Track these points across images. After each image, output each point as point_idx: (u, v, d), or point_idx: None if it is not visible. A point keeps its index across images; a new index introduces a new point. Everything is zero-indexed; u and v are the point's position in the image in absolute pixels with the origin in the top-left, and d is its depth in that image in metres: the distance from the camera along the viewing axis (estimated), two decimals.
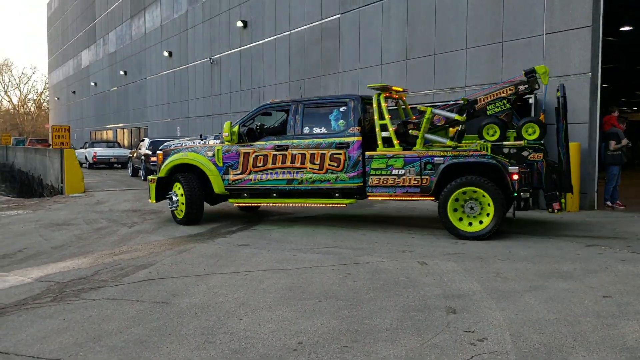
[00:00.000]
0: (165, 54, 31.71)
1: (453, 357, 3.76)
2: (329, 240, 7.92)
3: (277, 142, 9.10)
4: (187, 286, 5.59)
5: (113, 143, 33.14)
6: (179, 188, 9.46)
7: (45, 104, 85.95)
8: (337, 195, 8.81)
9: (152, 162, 17.95)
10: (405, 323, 4.44)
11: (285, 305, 4.94)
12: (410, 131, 8.68)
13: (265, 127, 10.01)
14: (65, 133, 15.23)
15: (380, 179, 8.42)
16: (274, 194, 9.15)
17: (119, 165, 28.31)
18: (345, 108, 8.89)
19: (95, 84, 48.49)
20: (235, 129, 9.29)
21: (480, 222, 7.83)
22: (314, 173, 8.83)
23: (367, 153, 8.56)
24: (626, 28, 20.44)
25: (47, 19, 72.23)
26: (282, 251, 7.20)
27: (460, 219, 7.94)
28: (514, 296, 5.11)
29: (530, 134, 8.16)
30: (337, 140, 8.74)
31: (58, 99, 65.83)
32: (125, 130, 41.04)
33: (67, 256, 7.15)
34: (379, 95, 8.87)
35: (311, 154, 8.86)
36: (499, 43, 12.36)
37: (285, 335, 4.20)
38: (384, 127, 8.64)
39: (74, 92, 57.10)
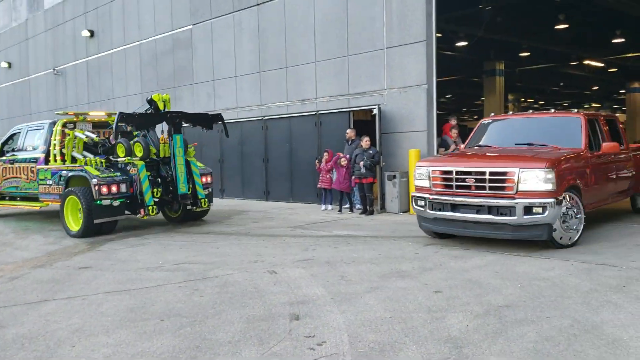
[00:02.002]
0: (4, 65, 29.15)
1: None
2: (181, 257, 7.71)
3: (10, 158, 11.95)
4: (15, 316, 5.13)
5: None
6: None
7: None
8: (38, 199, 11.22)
9: None
10: (248, 334, 4.43)
11: (125, 327, 4.71)
12: (63, 149, 10.87)
13: (15, 145, 12.24)
14: None
15: (44, 187, 10.81)
16: (17, 198, 12.02)
17: None
18: (42, 131, 11.48)
19: None
20: None
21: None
22: (25, 182, 11.52)
23: (38, 167, 11.05)
24: (462, 43, 22.38)
25: None
26: (128, 271, 6.88)
27: (73, 221, 9.92)
28: (355, 298, 5.31)
29: (138, 152, 10.00)
30: (32, 156, 11.38)
31: None
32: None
33: None
34: (52, 123, 11.33)
35: (23, 167, 11.58)
36: (345, 57, 12.90)
37: (121, 359, 3.99)
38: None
39: None
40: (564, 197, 7.04)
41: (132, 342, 4.35)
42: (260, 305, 5.22)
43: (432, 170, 7.75)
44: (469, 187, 7.35)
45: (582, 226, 7.37)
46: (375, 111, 12.08)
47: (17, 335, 4.60)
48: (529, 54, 26.46)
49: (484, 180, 7.19)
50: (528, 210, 6.83)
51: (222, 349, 4.14)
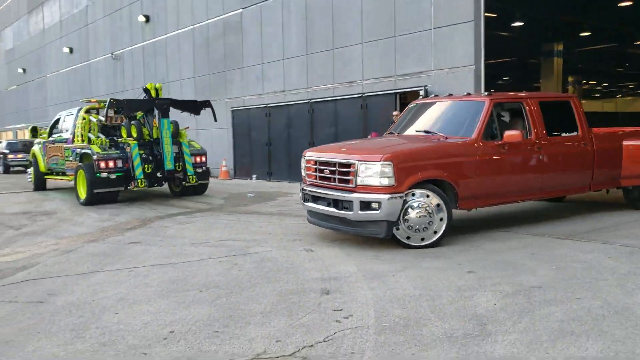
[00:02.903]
0: (66, 50, 30.41)
1: (317, 334, 3.96)
2: (225, 234, 7.99)
3: (53, 139, 14.09)
4: (66, 285, 5.49)
5: None
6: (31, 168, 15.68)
7: None
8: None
9: (9, 159, 25.57)
10: (279, 306, 4.60)
11: (165, 297, 4.98)
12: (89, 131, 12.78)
13: (57, 128, 14.38)
14: None
15: (69, 163, 12.83)
16: (59, 173, 13.94)
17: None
18: (72, 116, 13.46)
19: None
20: (46, 130, 14.92)
21: None
22: (60, 159, 13.48)
23: (65, 147, 13.26)
24: (518, 23, 21.77)
25: None
26: (174, 247, 7.20)
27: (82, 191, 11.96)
28: (386, 276, 5.41)
29: (134, 133, 11.88)
30: (64, 137, 13.47)
31: None
32: (27, 131, 38.96)
33: None
34: (80, 109, 13.33)
35: (59, 147, 13.68)
36: (392, 38, 12.83)
37: (158, 326, 4.24)
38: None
39: None
40: (412, 194, 6.45)
41: (170, 310, 4.60)
42: (293, 280, 5.39)
43: (306, 160, 7.37)
44: (327, 179, 6.94)
45: (444, 225, 6.53)
46: (422, 93, 12.01)
47: (66, 302, 4.93)
48: (589, 33, 25.41)
49: (334, 172, 6.77)
50: (366, 205, 6.36)
51: (254, 318, 4.33)
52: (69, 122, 13.56)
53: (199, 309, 4.61)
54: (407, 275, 5.42)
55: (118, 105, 12.47)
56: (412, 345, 3.71)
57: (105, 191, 11.60)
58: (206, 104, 13.15)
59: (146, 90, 12.49)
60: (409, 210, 6.42)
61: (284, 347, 3.75)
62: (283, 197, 12.43)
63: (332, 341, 3.83)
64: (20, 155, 25.44)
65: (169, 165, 11.86)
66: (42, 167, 14.90)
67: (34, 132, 15.86)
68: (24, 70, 37.91)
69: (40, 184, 15.46)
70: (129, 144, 11.72)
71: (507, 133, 7.03)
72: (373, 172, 6.34)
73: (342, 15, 14.08)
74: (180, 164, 12.15)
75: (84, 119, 12.71)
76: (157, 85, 12.65)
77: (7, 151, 25.70)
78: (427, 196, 6.49)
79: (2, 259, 6.84)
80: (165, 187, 13.10)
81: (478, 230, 7.53)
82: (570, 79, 37.76)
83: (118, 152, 11.77)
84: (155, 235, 8.07)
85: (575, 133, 7.98)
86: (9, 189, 16.99)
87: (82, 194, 11.88)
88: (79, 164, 11.99)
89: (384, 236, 6.45)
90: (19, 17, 38.45)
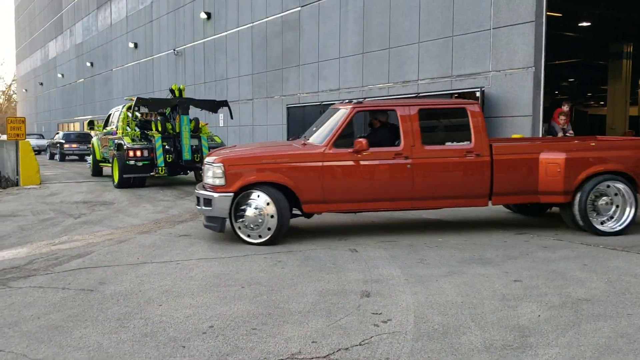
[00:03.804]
0: (131, 45, 31.45)
1: (354, 337, 3.95)
2: None
3: (106, 131, 16.27)
4: (116, 275, 5.69)
5: (39, 135, 41.84)
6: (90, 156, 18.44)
7: (14, 95, 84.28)
8: None
9: (65, 148, 27.93)
10: (318, 306, 4.62)
11: (208, 292, 5.08)
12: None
13: (110, 121, 16.37)
14: (21, 124, 15.04)
15: (110, 152, 14.71)
16: (108, 161, 15.57)
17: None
18: (119, 112, 15.32)
19: (62, 75, 47.82)
20: (101, 124, 17.51)
21: None
22: (108, 149, 15.30)
23: (109, 138, 15.26)
24: (585, 24, 20.98)
25: (14, 9, 70.78)
26: (221, 241, 7.33)
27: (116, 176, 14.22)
28: (429, 281, 5.33)
29: (159, 127, 13.85)
30: (111, 130, 15.59)
31: (26, 90, 64.75)
32: (101, 122, 40.56)
33: (6, 246, 7.18)
34: (124, 106, 15.15)
35: (108, 138, 15.40)
36: (449, 37, 12.62)
37: (199, 320, 4.34)
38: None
39: (41, 84, 56.23)
40: (249, 194, 6.98)
41: (212, 305, 4.70)
42: (335, 280, 5.39)
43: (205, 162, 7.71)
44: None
45: (276, 224, 6.91)
46: (478, 94, 11.76)
47: (114, 291, 5.11)
48: None
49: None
50: (205, 202, 7.08)
51: (292, 317, 4.36)
52: (116, 117, 15.60)
53: (240, 305, 4.68)
54: (451, 281, 5.33)
55: (143, 104, 14.47)
56: (449, 354, 3.65)
57: (133, 176, 13.57)
58: (223, 103, 15.07)
59: (171, 91, 14.40)
60: (247, 208, 6.99)
61: (319, 348, 3.76)
62: None
63: (368, 345, 3.81)
64: (74, 145, 27.93)
65: (186, 155, 13.48)
66: (98, 155, 17.18)
67: (91, 125, 18.45)
68: (92, 63, 39.49)
69: (96, 170, 17.87)
70: (154, 137, 13.60)
71: (356, 141, 7.15)
72: (211, 173, 7.13)
73: (399, 15, 13.95)
74: (199, 155, 13.67)
75: (124, 114, 14.73)
76: (181, 87, 14.67)
77: (63, 141, 28.42)
78: (258, 196, 7.01)
79: (60, 246, 7.15)
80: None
81: (528, 238, 7.31)
82: None
83: (146, 143, 13.65)
84: (205, 229, 8.23)
85: (466, 143, 7.37)
86: (73, 178, 17.76)
87: (116, 178, 13.89)
88: (115, 152, 13.99)
89: (219, 230, 7.20)
90: (89, 13, 40.06)
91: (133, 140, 13.68)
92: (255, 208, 6.96)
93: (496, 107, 11.67)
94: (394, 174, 7.25)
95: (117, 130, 14.79)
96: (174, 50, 26.05)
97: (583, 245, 6.85)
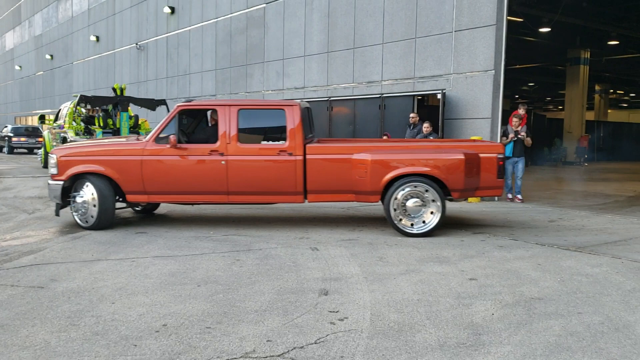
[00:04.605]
0: (93, 38, 30.76)
1: (309, 335, 3.93)
2: (232, 229, 7.99)
3: (56, 124, 17.19)
4: (69, 272, 5.54)
5: None
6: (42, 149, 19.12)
7: None
8: None
9: (13, 141, 28.00)
10: (275, 305, 4.58)
11: (163, 290, 4.99)
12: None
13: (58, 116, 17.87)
14: None
15: (57, 145, 14.56)
16: None
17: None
18: (67, 106, 16.70)
19: (20, 67, 46.45)
20: (52, 118, 18.31)
21: None
22: (56, 141, 15.85)
23: (55, 131, 16.72)
24: (545, 29, 21.46)
25: None
26: (179, 239, 7.22)
27: None
28: (387, 279, 5.36)
29: (101, 122, 15.34)
30: (60, 124, 16.52)
31: None
32: (52, 117, 39.51)
33: None
34: (72, 101, 16.25)
35: (57, 132, 16.36)
36: (412, 39, 12.73)
37: (152, 318, 4.25)
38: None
39: None
40: (81, 183, 7.77)
41: (166, 303, 4.61)
42: (294, 278, 5.36)
43: None
44: None
45: (97, 210, 7.64)
46: (440, 96, 11.89)
47: (66, 289, 4.98)
48: (617, 42, 24.95)
49: None
50: (50, 188, 8.02)
51: (248, 316, 4.32)
52: (64, 111, 16.74)
53: (195, 303, 4.61)
54: (408, 279, 5.36)
55: (86, 100, 15.66)
56: (403, 352, 3.66)
57: None
58: (162, 102, 16.43)
59: (114, 90, 16.14)
60: (77, 196, 7.75)
61: (273, 347, 3.72)
62: None
63: (324, 343, 3.79)
64: (23, 139, 28.19)
65: None
66: (48, 148, 17.60)
67: (42, 119, 19.68)
68: (52, 56, 38.46)
69: (47, 163, 18.07)
70: (95, 131, 14.76)
71: (170, 137, 7.66)
72: (50, 163, 7.95)
73: (364, 15, 14.00)
74: None
75: (71, 109, 15.86)
76: (123, 86, 16.42)
77: (11, 134, 28.57)
78: (87, 186, 7.71)
79: (12, 242, 6.93)
80: None
81: (485, 238, 7.43)
82: (597, 87, 37.19)
83: (88, 137, 14.64)
84: (162, 226, 8.11)
85: (281, 142, 7.67)
86: (29, 172, 17.26)
87: None
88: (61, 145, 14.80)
89: (55, 214, 8.06)
90: (49, 4, 39.00)
91: (77, 134, 14.86)
92: (83, 196, 7.72)
93: (457, 109, 11.83)
94: (210, 169, 7.69)
95: (64, 124, 15.98)
96: (137, 44, 25.59)
97: (537, 245, 6.99)
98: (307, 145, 7.72)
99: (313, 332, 4.00)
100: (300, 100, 8.34)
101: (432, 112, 12.25)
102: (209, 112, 9.33)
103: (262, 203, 8.14)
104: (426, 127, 11.19)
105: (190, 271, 5.62)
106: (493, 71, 11.14)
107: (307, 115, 8.49)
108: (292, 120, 7.70)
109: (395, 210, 7.41)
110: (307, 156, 7.64)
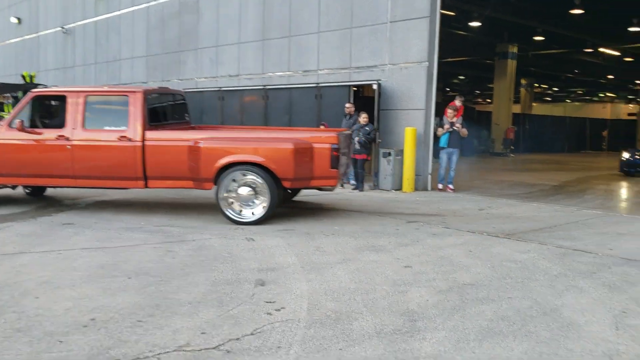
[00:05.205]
0: (14, 20, 29.07)
1: (245, 327, 3.85)
2: (164, 219, 7.77)
3: None
4: None
5: None
6: None
7: None
8: None
9: None
10: (209, 296, 4.47)
11: (92, 283, 4.77)
12: None
13: None
14: None
15: None
16: None
17: None
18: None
19: None
20: None
21: None
22: None
23: None
24: (475, 23, 22.05)
25: None
26: (108, 230, 6.94)
27: None
28: (324, 268, 5.34)
29: (9, 110, 14.17)
30: None
31: None
32: None
33: None
34: None
35: None
36: (348, 29, 12.75)
37: (79, 313, 4.05)
38: None
39: None
40: None
41: (94, 296, 4.41)
42: (229, 269, 5.26)
43: None
44: None
45: None
46: (375, 87, 11.99)
47: None
48: (543, 38, 25.99)
49: None
50: None
51: (181, 308, 4.19)
52: None
53: (125, 296, 4.43)
54: (345, 268, 5.37)
55: None
56: (341, 340, 3.65)
57: None
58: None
59: (23, 77, 16.39)
60: None
61: (208, 339, 3.63)
62: None
63: (260, 334, 3.73)
64: None
65: None
66: None
67: None
68: None
69: None
70: (3, 117, 14.98)
71: (16, 122, 7.77)
72: None
73: (299, 3, 13.89)
74: None
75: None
76: (32, 74, 16.83)
77: None
78: None
79: None
80: None
81: (419, 226, 7.56)
82: (523, 81, 38.70)
83: None
84: (91, 217, 7.78)
85: (123, 128, 7.76)
86: None
87: None
88: None
89: None
90: None
91: None
92: None
93: (392, 100, 11.97)
94: (57, 153, 7.85)
95: None
96: (63, 28, 24.39)
97: (469, 232, 7.18)
98: (146, 131, 7.74)
99: (249, 323, 3.93)
100: (160, 87, 8.82)
101: (369, 103, 12.33)
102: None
103: (107, 187, 8.30)
104: (364, 117, 11.25)
105: (121, 263, 5.40)
106: (427, 63, 11.33)
107: (164, 101, 8.92)
108: (134, 107, 7.77)
109: (225, 197, 7.42)
110: (146, 142, 7.68)
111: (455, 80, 42.38)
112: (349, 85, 12.71)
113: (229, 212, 7.43)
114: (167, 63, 18.46)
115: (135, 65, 19.94)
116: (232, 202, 7.42)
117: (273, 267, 5.38)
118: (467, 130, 11.73)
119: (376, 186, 11.70)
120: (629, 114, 47.44)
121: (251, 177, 7.37)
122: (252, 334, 3.74)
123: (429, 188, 11.65)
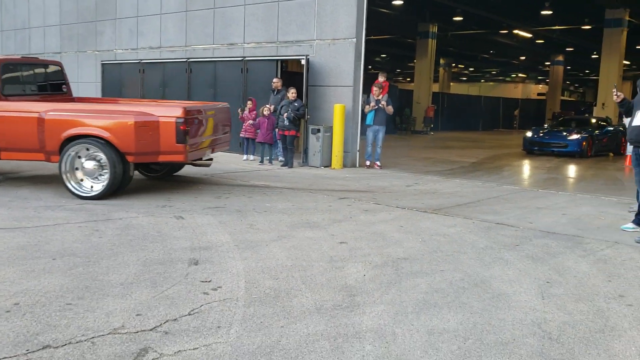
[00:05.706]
0: None
1: (182, 307, 3.75)
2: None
3: None
4: None
5: None
6: None
7: None
8: None
9: None
10: (142, 277, 4.31)
11: (12, 265, 4.47)
12: None
13: None
14: None
15: None
16: None
17: None
18: None
19: None
20: None
21: None
22: None
23: None
24: (398, 2, 22.28)
25: None
26: (26, 209, 6.53)
27: None
28: (259, 246, 5.29)
29: None
30: None
31: None
32: None
33: None
34: None
35: None
36: (275, 2, 12.54)
37: (1, 297, 3.79)
38: None
39: None
40: None
41: (17, 280, 4.14)
42: (160, 249, 5.09)
43: None
44: None
45: None
46: (304, 62, 11.90)
47: None
48: (462, 18, 26.72)
49: None
50: None
51: (113, 290, 4.01)
52: None
53: (51, 278, 4.19)
54: (280, 245, 5.34)
55: None
56: (282, 318, 3.63)
57: None
58: None
59: None
60: None
61: (144, 321, 3.50)
62: None
63: (198, 314, 3.64)
64: None
65: None
66: None
67: None
68: None
69: None
70: None
71: None
72: None
73: None
74: None
75: None
76: None
77: None
78: None
79: None
80: None
81: (350, 203, 7.64)
82: (442, 60, 39.80)
83: None
84: (5, 196, 7.29)
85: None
86: None
87: None
88: None
89: None
90: None
91: None
92: None
93: (320, 76, 11.93)
94: None
95: None
96: None
97: (398, 208, 7.33)
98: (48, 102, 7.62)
99: (186, 303, 3.82)
100: (24, 57, 8.67)
101: (295, 78, 12.24)
102: None
103: (19, 159, 8.06)
104: (292, 93, 11.15)
105: (43, 244, 5.10)
106: (355, 39, 11.36)
107: (29, 71, 8.60)
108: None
109: (66, 170, 7.31)
110: (47, 116, 7.38)
111: (378, 59, 42.94)
112: (277, 60, 12.56)
113: (71, 186, 7.30)
114: (83, 33, 17.48)
115: (48, 35, 18.76)
116: (80, 178, 7.32)
117: (206, 245, 5.25)
118: (392, 107, 11.90)
119: (305, 163, 11.70)
120: (539, 94, 50.01)
121: (93, 150, 7.20)
122: (189, 314, 3.64)
123: (357, 165, 11.79)
